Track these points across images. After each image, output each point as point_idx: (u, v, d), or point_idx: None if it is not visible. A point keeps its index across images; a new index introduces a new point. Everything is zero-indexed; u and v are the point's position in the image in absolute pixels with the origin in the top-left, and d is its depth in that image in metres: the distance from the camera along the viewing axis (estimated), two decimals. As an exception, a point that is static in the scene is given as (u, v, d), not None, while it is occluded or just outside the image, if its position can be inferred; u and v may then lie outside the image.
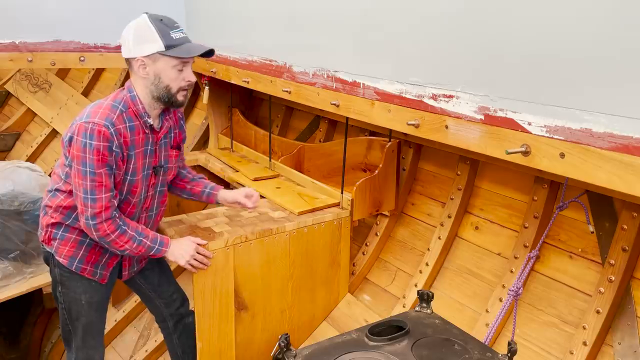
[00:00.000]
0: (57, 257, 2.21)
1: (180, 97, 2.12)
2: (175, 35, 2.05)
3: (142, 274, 2.46)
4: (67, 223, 2.18)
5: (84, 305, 2.28)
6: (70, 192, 2.13)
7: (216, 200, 2.48)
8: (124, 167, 2.09)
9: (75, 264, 2.21)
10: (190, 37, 2.13)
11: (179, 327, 2.57)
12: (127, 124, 2.06)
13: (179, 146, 2.36)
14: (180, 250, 2.22)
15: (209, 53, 2.15)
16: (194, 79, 2.14)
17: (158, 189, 2.30)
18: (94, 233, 2.05)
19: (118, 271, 2.36)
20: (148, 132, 2.15)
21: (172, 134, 2.30)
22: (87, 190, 2.00)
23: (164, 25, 2.04)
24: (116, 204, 2.09)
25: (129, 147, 2.07)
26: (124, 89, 2.13)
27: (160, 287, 2.51)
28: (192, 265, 2.25)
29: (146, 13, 2.07)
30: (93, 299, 2.29)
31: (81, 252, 2.20)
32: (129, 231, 2.10)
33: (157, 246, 2.17)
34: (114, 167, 2.04)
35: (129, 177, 2.12)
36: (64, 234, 2.19)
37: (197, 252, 2.24)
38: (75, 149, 1.99)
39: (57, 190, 2.18)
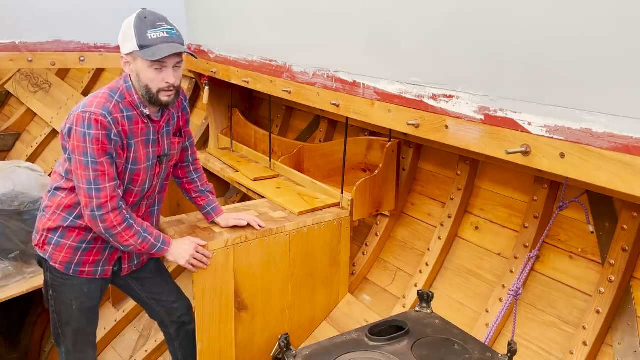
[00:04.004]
0: (51, 263, 2.19)
1: (162, 97, 2.05)
2: (153, 34, 1.96)
3: (139, 282, 2.44)
4: (65, 225, 2.15)
5: (75, 311, 2.26)
6: (71, 190, 2.12)
7: (214, 221, 2.50)
8: (124, 156, 2.07)
9: (72, 268, 2.19)
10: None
11: (180, 333, 2.54)
12: (125, 114, 2.05)
13: (181, 131, 2.32)
14: (179, 250, 2.22)
15: (190, 54, 2.11)
16: (172, 80, 2.03)
17: (162, 177, 2.29)
18: (100, 225, 2.03)
19: (119, 266, 2.33)
20: (147, 122, 2.13)
21: (174, 121, 2.27)
22: (91, 180, 1.98)
23: (144, 23, 1.98)
24: (121, 194, 2.07)
25: (127, 135, 2.06)
26: (121, 78, 2.12)
27: (160, 296, 2.48)
28: (192, 265, 2.25)
29: (143, 9, 2.04)
30: (84, 304, 2.28)
31: (77, 257, 2.18)
32: (136, 226, 2.09)
33: (159, 244, 2.17)
34: (115, 155, 2.03)
35: (129, 167, 2.11)
36: (59, 239, 2.16)
37: (197, 252, 2.24)
38: (75, 139, 1.98)
39: (56, 189, 2.16)
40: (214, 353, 2.47)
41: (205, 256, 2.28)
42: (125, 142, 2.06)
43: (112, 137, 2.00)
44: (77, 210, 2.13)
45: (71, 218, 2.15)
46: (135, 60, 2.02)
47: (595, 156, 1.53)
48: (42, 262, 2.26)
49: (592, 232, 2.27)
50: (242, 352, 2.56)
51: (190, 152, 2.47)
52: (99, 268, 2.25)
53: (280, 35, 2.84)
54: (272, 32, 2.91)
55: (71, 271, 2.20)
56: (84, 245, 2.18)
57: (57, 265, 2.19)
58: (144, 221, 2.18)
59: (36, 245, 2.23)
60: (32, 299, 3.63)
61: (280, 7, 2.80)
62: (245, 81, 3.10)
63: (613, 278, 2.15)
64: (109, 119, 1.99)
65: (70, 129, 2.00)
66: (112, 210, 2.02)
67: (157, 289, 2.47)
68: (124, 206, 2.07)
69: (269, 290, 2.57)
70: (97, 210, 2.01)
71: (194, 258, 2.24)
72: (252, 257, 2.47)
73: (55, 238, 2.17)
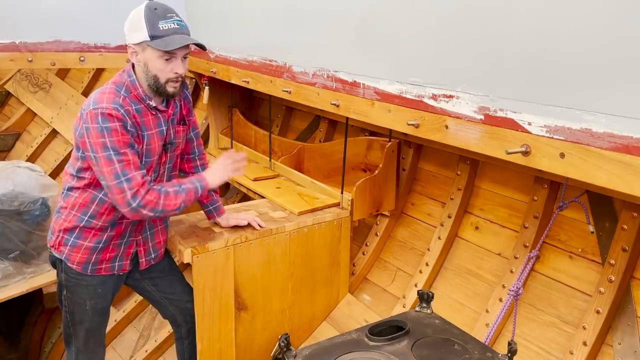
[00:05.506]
0: (68, 264, 2.19)
1: (169, 88, 2.08)
2: (164, 25, 1.99)
3: (152, 282, 2.43)
4: (81, 225, 2.14)
5: (88, 311, 2.27)
6: (83, 188, 2.12)
7: (215, 221, 2.52)
8: (139, 148, 2.08)
9: (89, 268, 2.20)
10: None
11: (192, 332, 2.51)
12: (134, 107, 2.06)
13: (185, 120, 2.33)
14: (218, 174, 2.26)
15: (199, 46, 2.10)
16: (181, 71, 2.07)
17: (168, 167, 2.29)
18: (144, 212, 2.02)
19: (135, 261, 2.33)
20: (156, 113, 2.14)
21: (177, 109, 2.28)
22: (119, 173, 1.97)
23: (155, 14, 2.00)
24: (149, 179, 2.07)
25: (140, 127, 2.07)
26: (124, 72, 2.12)
27: (173, 295, 2.47)
28: (236, 171, 2.31)
29: (149, 0, 2.06)
30: (97, 305, 2.28)
31: (94, 257, 2.19)
32: (168, 189, 2.10)
33: (198, 185, 2.18)
34: (135, 146, 2.03)
35: (144, 160, 2.12)
36: (75, 240, 2.16)
37: (230, 163, 2.29)
38: (92, 137, 1.96)
39: (69, 189, 2.16)
40: (214, 353, 2.46)
41: (236, 160, 2.31)
42: (139, 133, 2.06)
43: (128, 128, 2.00)
44: (91, 210, 2.13)
45: (86, 218, 2.14)
46: (145, 50, 2.03)
47: (595, 156, 1.53)
48: (56, 263, 2.25)
49: (592, 232, 2.27)
50: (242, 352, 2.56)
51: (196, 144, 2.47)
52: (116, 263, 2.25)
53: (280, 35, 2.84)
54: (272, 32, 2.91)
55: (89, 270, 2.20)
56: (100, 245, 2.18)
57: (74, 266, 2.19)
58: (170, 180, 2.21)
59: (52, 246, 2.23)
60: (32, 299, 3.63)
61: (280, 7, 2.80)
62: (245, 81, 3.10)
63: (613, 278, 2.15)
64: (122, 111, 1.99)
65: (87, 128, 1.98)
66: (145, 192, 2.01)
67: (170, 288, 2.47)
68: (149, 180, 2.07)
69: (269, 290, 2.57)
70: (133, 200, 1.99)
71: (232, 169, 2.29)
72: (252, 257, 2.47)
73: (72, 239, 2.17)
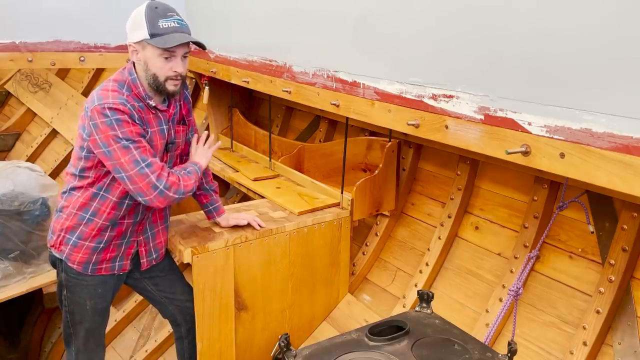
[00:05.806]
0: (69, 264, 2.18)
1: (169, 86, 2.09)
2: (165, 24, 2.00)
3: (153, 281, 2.43)
4: (84, 223, 2.14)
5: (88, 311, 2.27)
6: (86, 187, 2.12)
7: (215, 221, 2.53)
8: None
9: (90, 267, 2.19)
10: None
11: (192, 331, 2.51)
12: (137, 104, 2.06)
13: (184, 120, 2.34)
14: (202, 155, 2.32)
15: (199, 45, 2.11)
16: (181, 69, 2.08)
17: (169, 167, 2.30)
18: (170, 194, 2.03)
19: (136, 261, 2.33)
20: (156, 112, 2.14)
21: (177, 109, 2.29)
22: (138, 159, 1.97)
23: (155, 13, 2.01)
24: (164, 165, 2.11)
25: (145, 123, 2.08)
26: (124, 69, 2.12)
27: (173, 295, 2.47)
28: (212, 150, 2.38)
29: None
30: (98, 305, 2.28)
31: (95, 257, 2.19)
32: (180, 171, 2.15)
33: (195, 167, 2.23)
34: (146, 136, 2.05)
35: None
36: (77, 240, 2.16)
37: (206, 147, 2.36)
38: (102, 132, 1.96)
39: (72, 189, 2.16)
40: (214, 353, 2.47)
41: (205, 141, 2.37)
42: (144, 128, 2.07)
43: (136, 121, 2.01)
44: (92, 207, 2.13)
45: (87, 215, 2.14)
46: (145, 48, 2.04)
47: (595, 156, 1.53)
48: (56, 263, 2.25)
49: (592, 232, 2.27)
50: (242, 352, 2.56)
51: None
52: (117, 263, 2.25)
53: (280, 35, 2.84)
54: (272, 32, 2.91)
55: (89, 270, 2.20)
56: (101, 245, 2.18)
57: (74, 266, 2.18)
58: (173, 167, 2.25)
59: (52, 245, 2.22)
60: (32, 299, 3.63)
61: (280, 7, 2.80)
62: (245, 81, 3.10)
63: (613, 278, 2.15)
64: (128, 106, 2.00)
65: (94, 125, 1.97)
66: (168, 174, 2.04)
67: (170, 287, 2.47)
68: (165, 165, 2.11)
69: (269, 290, 2.57)
70: (159, 182, 2.00)
71: (208, 147, 2.35)
72: (252, 257, 2.47)
73: (73, 239, 2.16)
